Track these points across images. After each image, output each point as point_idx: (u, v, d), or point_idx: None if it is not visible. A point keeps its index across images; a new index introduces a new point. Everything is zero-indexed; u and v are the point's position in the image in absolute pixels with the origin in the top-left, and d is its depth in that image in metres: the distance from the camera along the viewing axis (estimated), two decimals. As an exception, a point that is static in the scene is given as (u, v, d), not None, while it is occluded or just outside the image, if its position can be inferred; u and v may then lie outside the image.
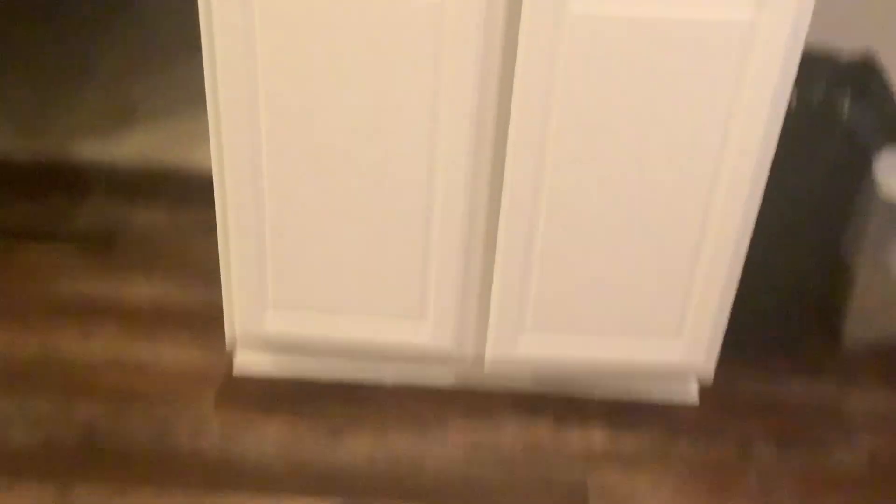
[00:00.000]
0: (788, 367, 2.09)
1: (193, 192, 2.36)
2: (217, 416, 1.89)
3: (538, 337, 1.82)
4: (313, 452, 1.84)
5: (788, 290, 2.08)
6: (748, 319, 1.95)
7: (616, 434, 1.92)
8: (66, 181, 2.43)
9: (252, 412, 1.90)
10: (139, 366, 1.98)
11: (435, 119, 1.59)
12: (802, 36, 1.53)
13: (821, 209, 1.97)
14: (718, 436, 1.93)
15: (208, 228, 1.82)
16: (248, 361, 1.98)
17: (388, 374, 1.99)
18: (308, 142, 1.62)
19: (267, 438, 1.86)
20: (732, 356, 1.92)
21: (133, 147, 2.53)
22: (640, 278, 1.75)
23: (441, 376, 1.99)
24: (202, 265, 2.18)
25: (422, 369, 1.99)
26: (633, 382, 1.99)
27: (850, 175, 1.93)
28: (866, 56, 2.08)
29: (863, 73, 2.04)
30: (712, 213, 1.69)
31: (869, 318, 2.16)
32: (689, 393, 2.00)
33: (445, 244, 1.72)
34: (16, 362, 1.96)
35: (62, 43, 2.94)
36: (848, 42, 2.13)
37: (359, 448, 1.85)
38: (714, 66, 1.54)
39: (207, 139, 1.65)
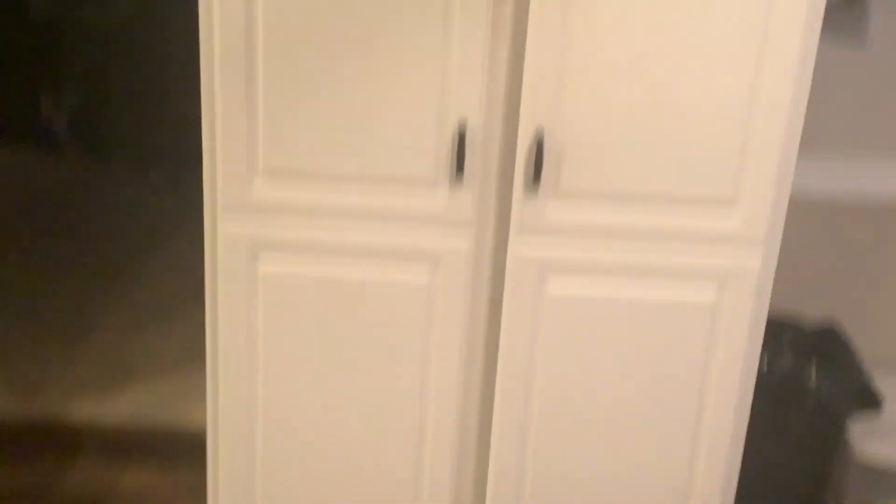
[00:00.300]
0: None
1: (184, 453, 2.38)
2: None
3: None
4: None
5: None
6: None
7: None
8: (57, 442, 2.45)
9: None
10: None
11: (424, 392, 1.68)
12: (764, 312, 1.66)
13: (798, 473, 2.01)
14: None
15: (198, 491, 1.83)
16: None
17: None
18: (303, 414, 1.69)
19: None
20: None
21: (126, 406, 2.58)
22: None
23: None
24: (189, 531, 2.17)
25: None
26: None
27: (823, 439, 2.00)
28: (830, 324, 2.21)
29: (828, 340, 2.16)
30: (695, 476, 1.73)
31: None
32: None
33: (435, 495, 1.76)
34: None
35: (63, 301, 3.06)
36: (812, 311, 2.27)
37: None
38: (684, 341, 1.65)
39: (200, 397, 1.71)
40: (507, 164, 1.56)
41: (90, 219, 3.75)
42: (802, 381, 2.01)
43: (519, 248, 1.59)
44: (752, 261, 1.60)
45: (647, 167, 1.54)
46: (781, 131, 1.53)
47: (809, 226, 2.30)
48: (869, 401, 2.02)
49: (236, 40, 1.48)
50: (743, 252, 1.60)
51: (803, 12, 1.46)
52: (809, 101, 1.54)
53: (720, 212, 1.57)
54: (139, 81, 4.36)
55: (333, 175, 1.55)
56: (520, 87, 1.50)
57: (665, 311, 1.63)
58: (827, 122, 2.29)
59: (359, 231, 1.59)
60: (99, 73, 4.39)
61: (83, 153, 4.36)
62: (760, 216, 1.57)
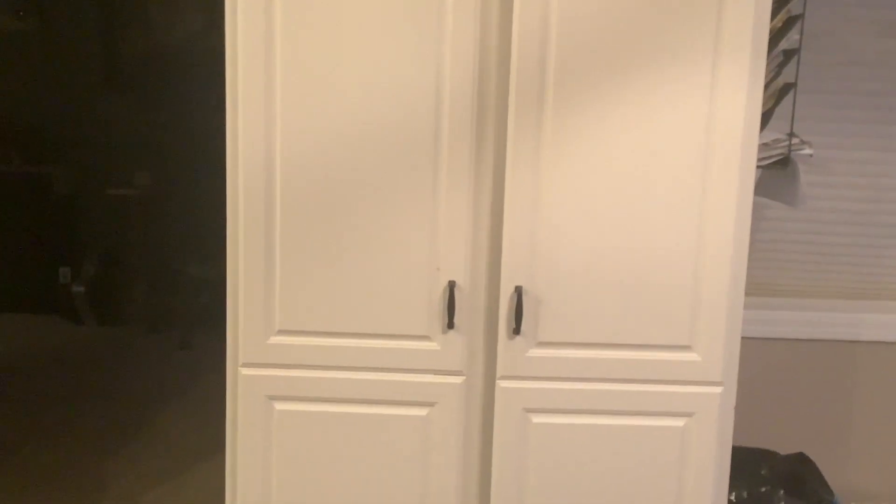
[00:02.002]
0: None
1: None
2: None
3: None
4: None
5: None
6: None
7: None
8: None
9: None
10: None
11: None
12: (729, 438, 1.85)
13: None
14: None
15: None
16: None
17: None
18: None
19: None
20: None
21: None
22: None
23: None
24: None
25: None
26: None
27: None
28: (800, 454, 2.39)
29: (798, 468, 2.33)
30: None
31: None
32: None
33: None
34: None
35: (76, 460, 3.19)
36: (784, 447, 2.44)
37: None
38: (656, 460, 1.84)
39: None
40: (491, 318, 1.79)
41: (106, 379, 3.94)
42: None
43: (505, 392, 1.80)
44: (712, 395, 1.81)
45: (613, 318, 1.77)
46: (726, 280, 1.76)
47: (780, 365, 2.52)
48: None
49: (258, 212, 1.74)
50: (704, 388, 1.81)
51: (736, 174, 1.72)
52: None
53: (680, 356, 1.79)
54: (154, 249, 4.63)
55: (340, 333, 1.78)
56: (499, 252, 1.75)
57: (640, 435, 1.83)
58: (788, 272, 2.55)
59: (364, 382, 1.80)
60: (117, 242, 4.67)
61: (100, 319, 4.59)
62: (716, 358, 1.79)
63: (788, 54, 1.98)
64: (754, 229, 1.79)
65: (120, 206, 4.62)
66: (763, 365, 2.49)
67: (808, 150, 2.00)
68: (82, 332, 4.53)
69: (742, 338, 1.82)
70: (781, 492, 2.23)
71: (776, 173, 2.00)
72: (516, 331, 1.76)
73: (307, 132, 1.72)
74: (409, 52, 1.69)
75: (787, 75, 2.00)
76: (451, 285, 1.75)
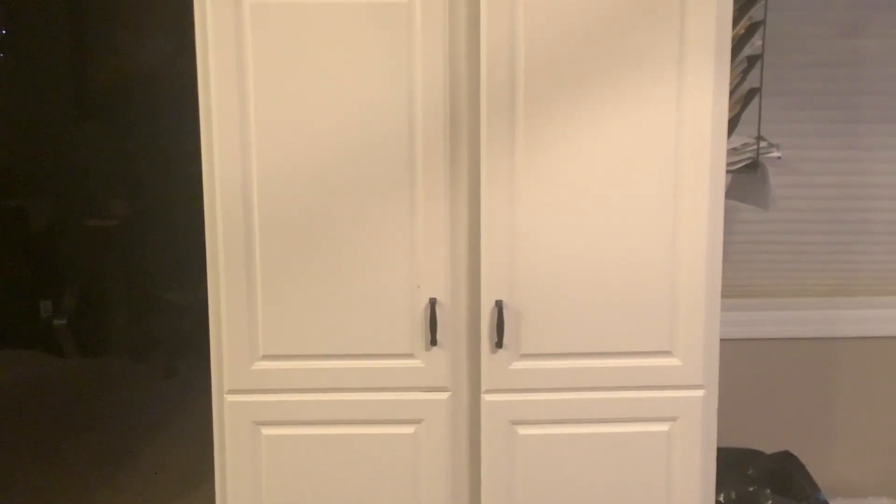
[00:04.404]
0: None
1: None
2: None
3: None
4: None
5: None
6: None
7: None
8: None
9: None
10: None
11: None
12: (713, 440, 1.87)
13: None
14: None
15: None
16: None
17: None
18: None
19: None
20: None
21: None
22: None
23: None
24: None
25: None
26: None
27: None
28: (786, 453, 2.41)
29: (784, 466, 2.36)
30: None
31: None
32: None
33: None
34: None
35: (66, 492, 3.17)
36: (769, 445, 2.47)
37: None
38: (643, 465, 1.86)
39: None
40: (474, 333, 1.81)
41: (92, 410, 3.92)
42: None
43: (491, 405, 1.81)
44: (695, 398, 1.83)
45: (594, 327, 1.79)
46: (703, 284, 1.79)
47: (761, 365, 2.54)
48: (826, 520, 2.19)
49: (236, 237, 1.75)
50: (686, 392, 1.83)
51: (707, 179, 1.75)
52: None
53: (661, 361, 1.81)
54: (135, 278, 4.62)
55: (324, 355, 1.80)
56: (479, 267, 1.77)
57: (626, 442, 1.84)
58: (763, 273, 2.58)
59: (350, 403, 1.81)
60: (96, 273, 4.65)
61: (83, 351, 4.57)
62: (696, 361, 1.82)
63: (752, 60, 2.02)
64: (728, 232, 1.82)
65: (98, 237, 4.60)
66: (745, 366, 2.52)
67: (776, 153, 2.03)
68: (66, 364, 4.50)
69: (722, 340, 1.84)
70: (768, 490, 2.25)
71: (746, 177, 2.04)
72: (499, 344, 1.78)
73: (283, 154, 1.73)
74: (380, 70, 1.70)
75: (752, 80, 2.03)
76: (433, 302, 1.77)
